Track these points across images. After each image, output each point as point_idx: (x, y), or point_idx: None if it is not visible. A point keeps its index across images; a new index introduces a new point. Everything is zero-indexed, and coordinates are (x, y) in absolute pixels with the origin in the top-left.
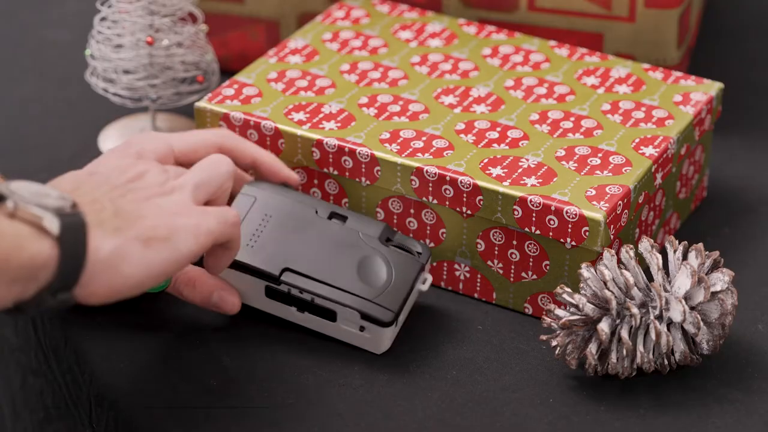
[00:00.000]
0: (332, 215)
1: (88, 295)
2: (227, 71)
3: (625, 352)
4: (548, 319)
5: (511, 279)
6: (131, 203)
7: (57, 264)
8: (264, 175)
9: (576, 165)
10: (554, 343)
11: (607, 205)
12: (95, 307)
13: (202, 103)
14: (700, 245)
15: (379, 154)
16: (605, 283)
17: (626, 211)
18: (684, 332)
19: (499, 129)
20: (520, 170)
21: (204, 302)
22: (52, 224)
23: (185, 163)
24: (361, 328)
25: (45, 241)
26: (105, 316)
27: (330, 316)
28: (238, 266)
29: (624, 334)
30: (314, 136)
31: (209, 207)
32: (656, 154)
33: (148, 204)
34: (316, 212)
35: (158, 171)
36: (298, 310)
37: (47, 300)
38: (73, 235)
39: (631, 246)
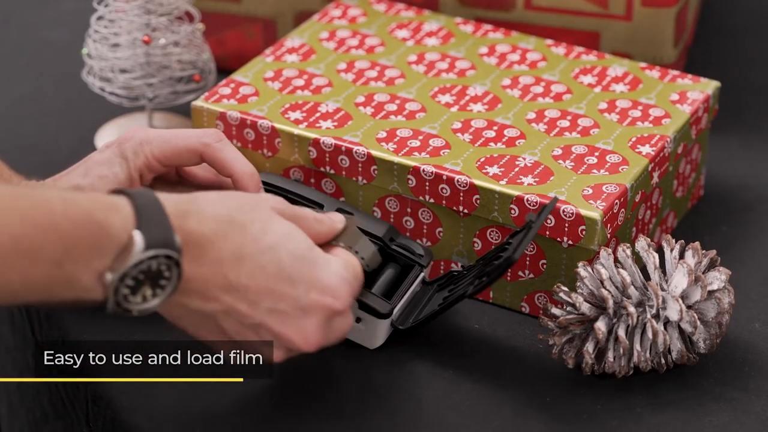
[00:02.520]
0: (339, 210)
1: None
2: (224, 70)
3: (621, 351)
4: (545, 318)
5: (508, 278)
6: (232, 326)
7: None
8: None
9: (573, 164)
10: (551, 342)
11: (603, 204)
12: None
13: (199, 102)
14: (697, 244)
15: (375, 153)
16: (602, 282)
17: (623, 209)
18: (681, 331)
19: (495, 128)
20: (516, 169)
21: None
22: (110, 308)
23: (169, 165)
24: (358, 320)
25: (98, 298)
26: (102, 315)
27: None
28: None
29: (621, 333)
30: (311, 135)
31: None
32: (653, 153)
33: (239, 333)
34: (323, 207)
35: (297, 350)
36: None
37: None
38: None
39: (628, 245)
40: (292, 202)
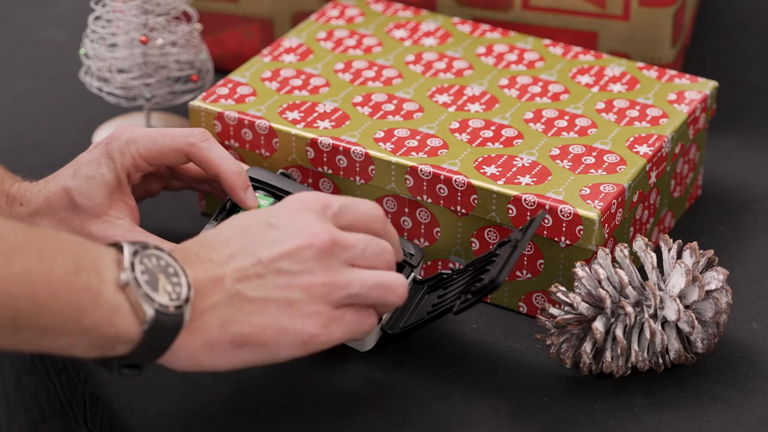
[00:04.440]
0: None
1: (162, 363)
2: (221, 70)
3: (619, 350)
4: (543, 318)
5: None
6: (260, 291)
7: (136, 347)
8: (225, 189)
9: (570, 164)
10: (549, 342)
11: (601, 203)
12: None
13: (197, 102)
14: (695, 244)
15: (373, 153)
16: (600, 282)
17: (621, 209)
18: (678, 331)
19: (493, 128)
20: (514, 169)
21: None
22: (148, 319)
23: (156, 164)
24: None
25: (135, 325)
26: None
27: None
28: None
29: (618, 332)
30: (308, 135)
31: (349, 313)
32: (651, 153)
33: (277, 297)
34: None
35: (319, 250)
36: None
37: (117, 366)
38: (162, 334)
39: (626, 245)
40: (280, 199)
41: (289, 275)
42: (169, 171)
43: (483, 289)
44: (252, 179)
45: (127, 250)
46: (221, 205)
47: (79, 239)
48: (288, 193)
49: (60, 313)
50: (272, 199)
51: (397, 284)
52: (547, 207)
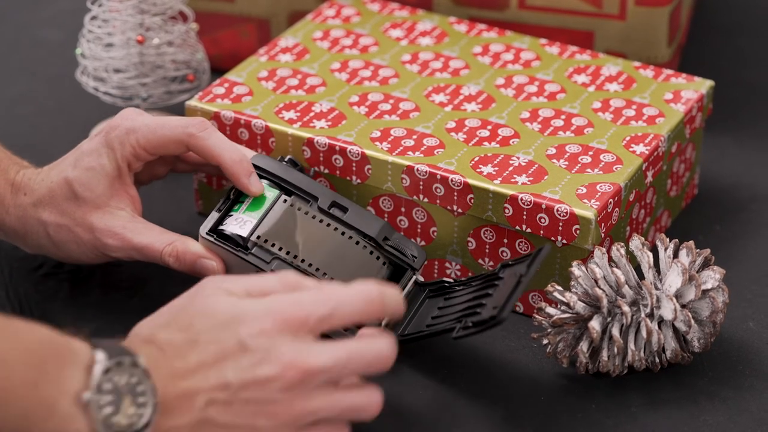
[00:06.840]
0: (333, 204)
1: None
2: (218, 70)
3: (616, 350)
4: (539, 318)
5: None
6: (226, 417)
7: None
8: (228, 178)
9: (567, 163)
10: (545, 341)
11: (598, 203)
12: (84, 298)
13: (193, 102)
14: (691, 243)
15: (369, 152)
16: (596, 282)
17: (617, 209)
18: (675, 330)
19: (489, 127)
20: (510, 168)
21: (189, 270)
22: None
23: (156, 154)
24: (346, 329)
25: None
26: (98, 314)
27: None
28: (231, 252)
29: (615, 332)
30: (305, 134)
31: None
32: (647, 152)
33: (243, 424)
34: (317, 200)
35: (289, 383)
36: None
37: None
38: None
39: (622, 244)
40: (285, 191)
41: (257, 404)
42: (174, 156)
43: (484, 323)
44: (256, 169)
45: (98, 368)
46: (225, 194)
47: (55, 337)
48: (293, 186)
49: (9, 420)
50: (277, 191)
51: (370, 403)
52: (548, 245)
